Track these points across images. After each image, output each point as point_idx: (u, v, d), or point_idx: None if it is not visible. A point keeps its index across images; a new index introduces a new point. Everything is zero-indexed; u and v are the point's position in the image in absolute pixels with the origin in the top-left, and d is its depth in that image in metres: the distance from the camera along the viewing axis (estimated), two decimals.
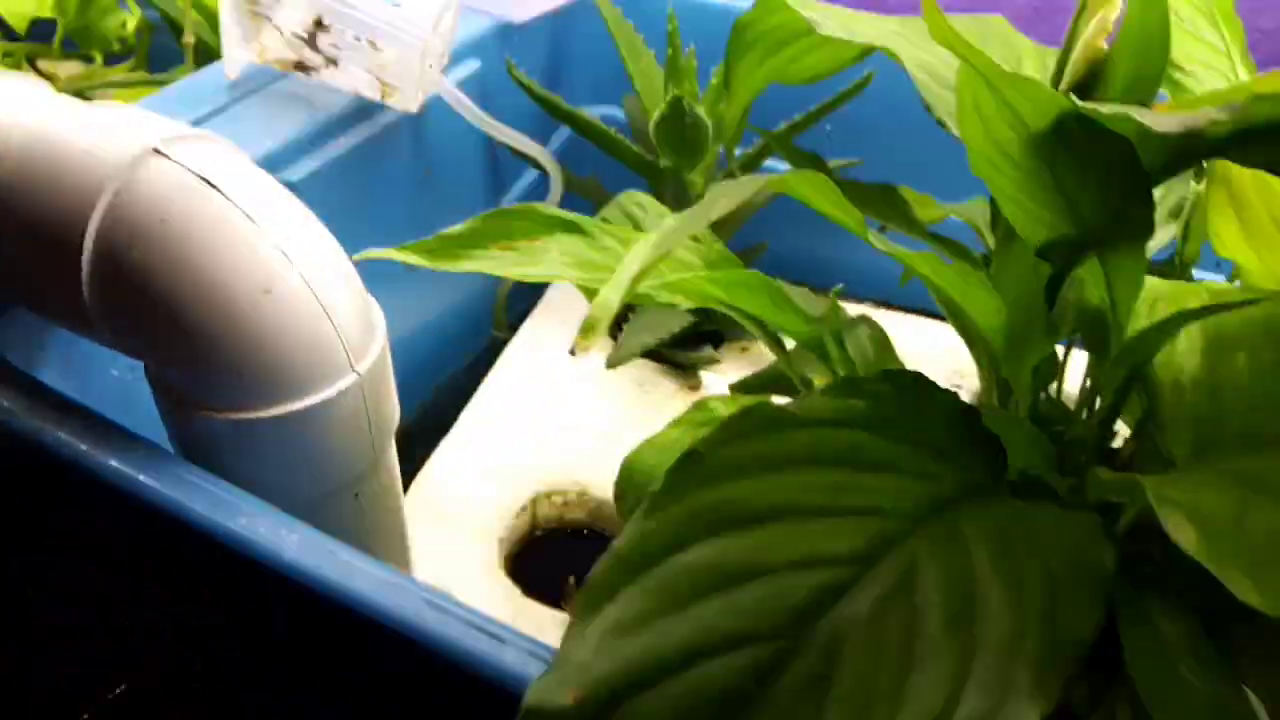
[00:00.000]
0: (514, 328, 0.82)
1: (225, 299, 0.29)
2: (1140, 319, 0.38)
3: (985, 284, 0.32)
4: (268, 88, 0.53)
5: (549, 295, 0.79)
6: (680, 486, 0.27)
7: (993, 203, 0.36)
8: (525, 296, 0.81)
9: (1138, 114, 0.23)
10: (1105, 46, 0.32)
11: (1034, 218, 0.32)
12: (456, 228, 0.33)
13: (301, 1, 0.49)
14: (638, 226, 0.52)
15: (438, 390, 0.74)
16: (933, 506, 0.28)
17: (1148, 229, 0.33)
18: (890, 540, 0.27)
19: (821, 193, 0.27)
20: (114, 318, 0.30)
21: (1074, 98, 0.24)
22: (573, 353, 0.22)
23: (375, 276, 0.58)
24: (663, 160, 0.66)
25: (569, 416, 0.66)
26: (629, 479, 0.47)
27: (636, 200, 0.52)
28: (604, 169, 0.77)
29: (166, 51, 0.86)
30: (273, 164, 0.49)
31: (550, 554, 0.60)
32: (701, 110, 0.59)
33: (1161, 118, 0.23)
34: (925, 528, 0.27)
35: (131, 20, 0.87)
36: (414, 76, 0.51)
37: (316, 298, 0.30)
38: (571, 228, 0.36)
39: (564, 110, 0.65)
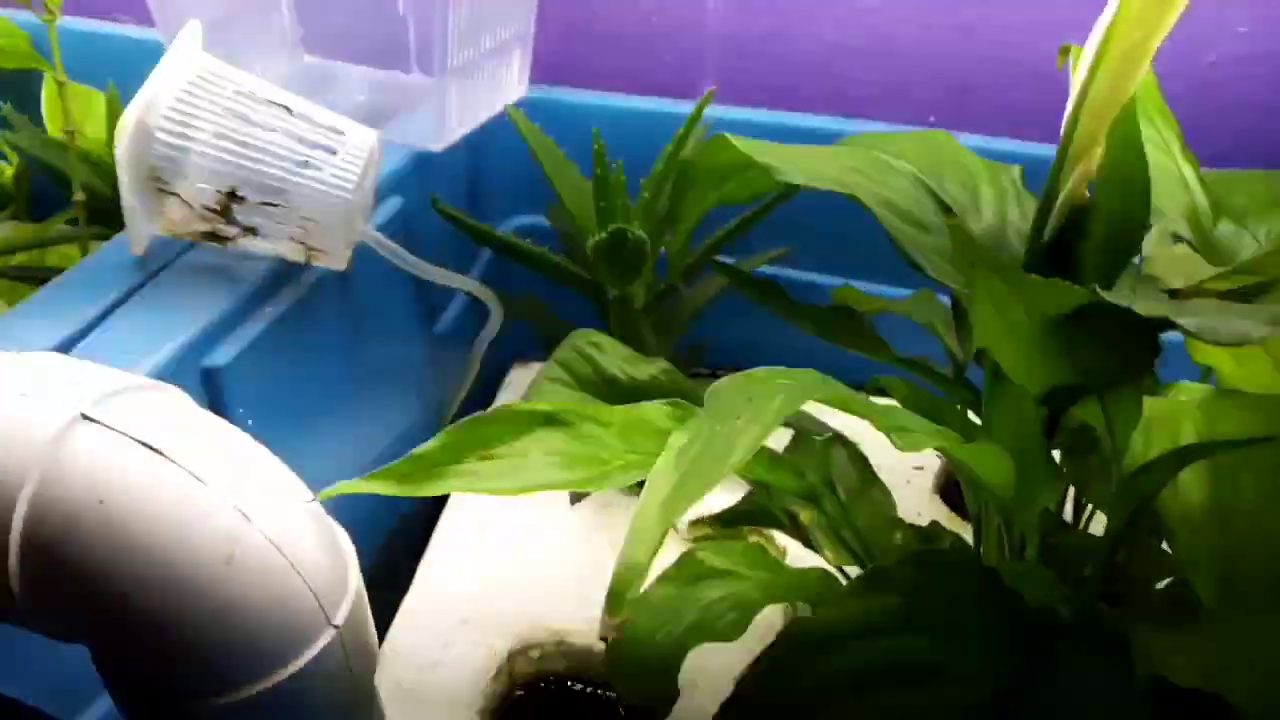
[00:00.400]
0: None
1: (181, 579, 0.25)
2: (1136, 444, 0.37)
3: (995, 451, 0.31)
4: (179, 260, 0.49)
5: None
6: None
7: (986, 353, 0.35)
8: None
9: (1178, 316, 0.22)
10: (1088, 194, 0.31)
11: (1037, 373, 0.31)
12: (428, 445, 0.30)
13: (209, 172, 0.45)
14: (596, 368, 0.49)
15: (389, 536, 0.69)
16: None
17: (1149, 369, 0.32)
18: None
19: (841, 399, 0.26)
20: (53, 613, 0.26)
21: (1100, 291, 0.23)
22: (604, 639, 0.20)
23: (307, 417, 0.55)
24: (602, 280, 0.64)
25: (532, 555, 0.63)
26: (625, 651, 0.43)
27: (592, 340, 0.50)
28: (537, 284, 0.75)
29: (48, 196, 0.81)
30: (196, 350, 0.45)
31: (534, 716, 0.56)
32: (639, 231, 0.58)
33: (1217, 324, 0.21)
34: None
35: (9, 169, 0.82)
36: (341, 238, 0.48)
37: (282, 553, 0.27)
38: (550, 421, 0.33)
39: (497, 238, 0.62)
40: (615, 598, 0.21)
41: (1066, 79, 0.76)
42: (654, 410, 0.36)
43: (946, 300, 0.61)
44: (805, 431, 0.56)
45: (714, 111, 0.64)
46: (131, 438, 0.26)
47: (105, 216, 0.74)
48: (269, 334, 0.48)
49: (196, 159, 0.45)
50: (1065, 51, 0.56)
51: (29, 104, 0.80)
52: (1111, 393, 0.32)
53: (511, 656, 0.57)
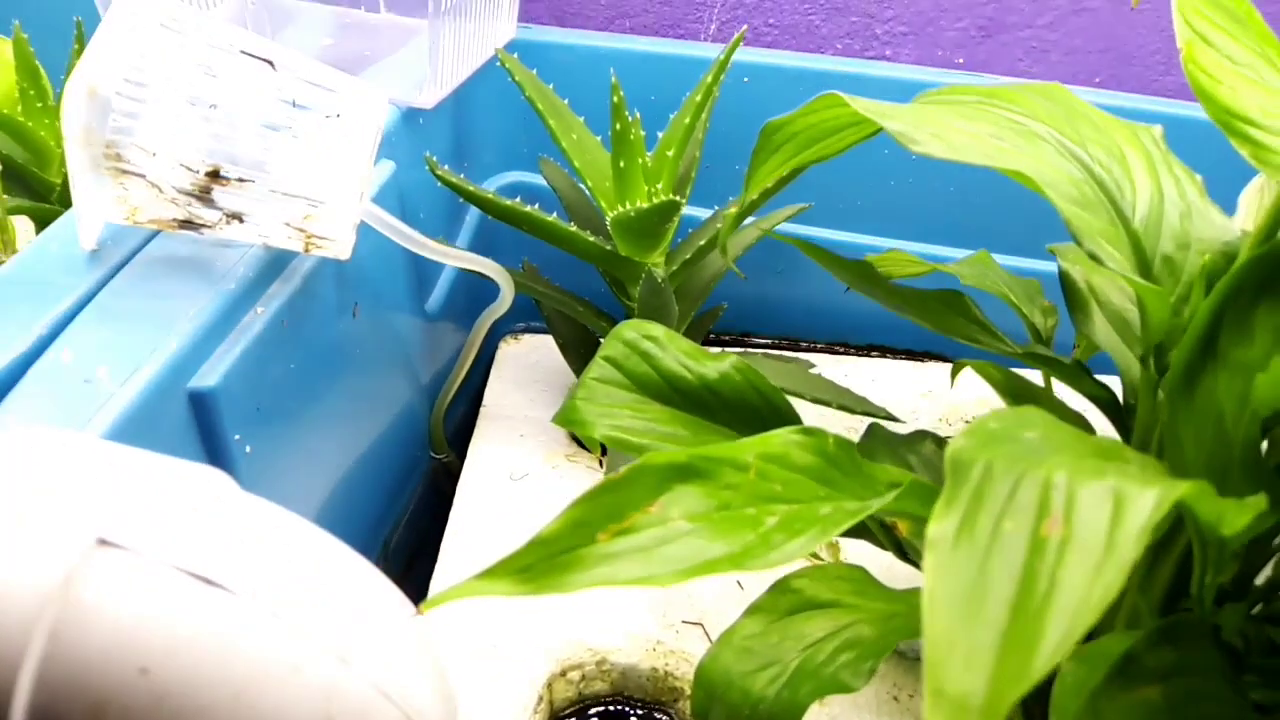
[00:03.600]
0: (452, 443, 0.71)
1: None
2: None
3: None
4: (144, 253, 0.40)
5: (488, 402, 0.69)
6: None
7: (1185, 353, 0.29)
8: (457, 403, 0.70)
9: None
10: None
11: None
12: (551, 526, 0.23)
13: (189, 149, 0.36)
14: (654, 365, 0.43)
15: (391, 541, 0.62)
16: None
17: None
18: None
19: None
20: None
21: None
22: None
23: (305, 422, 0.47)
24: (623, 249, 0.56)
25: None
26: (713, 699, 0.38)
27: (646, 332, 0.43)
28: (528, 247, 0.67)
29: None
30: (179, 370, 0.36)
31: None
32: (679, 199, 0.50)
33: None
34: None
35: None
36: (349, 221, 0.40)
37: (393, 701, 0.20)
38: (686, 474, 0.26)
39: (505, 208, 0.54)
40: None
41: (1115, 23, 0.70)
42: (785, 442, 0.30)
43: (1010, 261, 0.56)
44: (873, 420, 0.50)
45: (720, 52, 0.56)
46: (176, 566, 0.18)
47: (21, 187, 0.63)
48: (264, 340, 0.40)
49: (166, 132, 0.36)
50: None
51: None
52: None
53: (551, 682, 0.51)
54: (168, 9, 0.37)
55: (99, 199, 0.37)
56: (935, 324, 0.39)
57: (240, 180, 0.37)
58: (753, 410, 0.41)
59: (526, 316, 0.76)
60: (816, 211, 0.71)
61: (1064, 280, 0.41)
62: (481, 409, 0.68)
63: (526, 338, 0.76)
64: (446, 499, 0.61)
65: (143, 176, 0.36)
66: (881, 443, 0.44)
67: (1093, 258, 0.30)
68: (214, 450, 0.38)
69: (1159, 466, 0.26)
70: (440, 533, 0.58)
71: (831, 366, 0.74)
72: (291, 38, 0.62)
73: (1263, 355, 0.29)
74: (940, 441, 0.44)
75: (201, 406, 0.37)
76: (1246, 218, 0.49)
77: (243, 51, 0.38)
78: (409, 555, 0.64)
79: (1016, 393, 0.43)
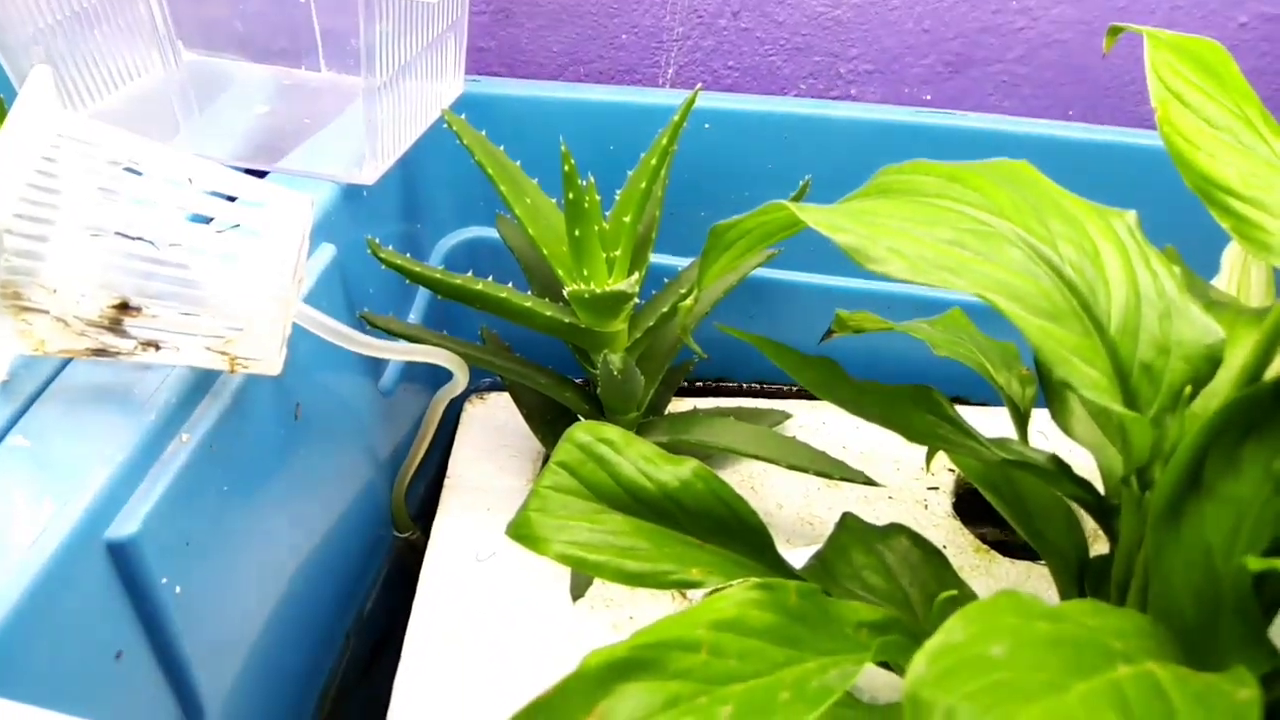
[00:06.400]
0: (417, 517, 0.69)
1: None
2: None
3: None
4: (57, 382, 0.38)
5: (453, 472, 0.66)
6: None
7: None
8: (421, 472, 0.67)
9: None
10: None
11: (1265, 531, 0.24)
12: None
13: (88, 281, 0.33)
14: (611, 473, 0.40)
15: (354, 631, 0.59)
16: None
17: None
18: None
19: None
20: None
21: None
22: None
23: (248, 533, 0.44)
24: (583, 320, 0.54)
25: (531, 649, 0.54)
26: None
27: (601, 435, 0.40)
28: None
29: None
30: (95, 520, 0.33)
31: None
32: (633, 287, 0.48)
33: None
34: None
35: None
36: (275, 340, 0.37)
37: None
38: (627, 671, 0.24)
39: (455, 287, 0.51)
40: None
41: (1086, 54, 0.67)
42: (741, 603, 0.28)
43: (990, 327, 0.54)
44: (846, 512, 0.48)
45: (682, 99, 0.54)
46: None
47: None
48: (190, 470, 0.37)
49: (67, 266, 0.33)
50: (1115, 32, 0.48)
51: None
52: None
53: None
54: (67, 127, 0.34)
55: (1, 334, 0.34)
56: (903, 427, 0.37)
57: (151, 313, 0.34)
58: (717, 520, 0.39)
59: (492, 373, 0.74)
60: (789, 255, 0.68)
61: (1040, 369, 0.39)
62: (446, 480, 0.65)
63: (492, 396, 0.73)
64: (413, 578, 0.58)
65: (46, 312, 0.34)
66: (854, 537, 0.42)
67: (1065, 385, 0.27)
68: (139, 598, 0.35)
69: (1152, 641, 0.24)
70: (406, 618, 0.55)
71: (809, 413, 0.72)
72: (227, 106, 0.60)
73: (1253, 490, 0.27)
74: (914, 537, 0.41)
75: (122, 556, 0.34)
76: (1230, 279, 0.47)
77: (156, 169, 0.35)
78: (375, 644, 0.61)
79: (995, 485, 0.41)
